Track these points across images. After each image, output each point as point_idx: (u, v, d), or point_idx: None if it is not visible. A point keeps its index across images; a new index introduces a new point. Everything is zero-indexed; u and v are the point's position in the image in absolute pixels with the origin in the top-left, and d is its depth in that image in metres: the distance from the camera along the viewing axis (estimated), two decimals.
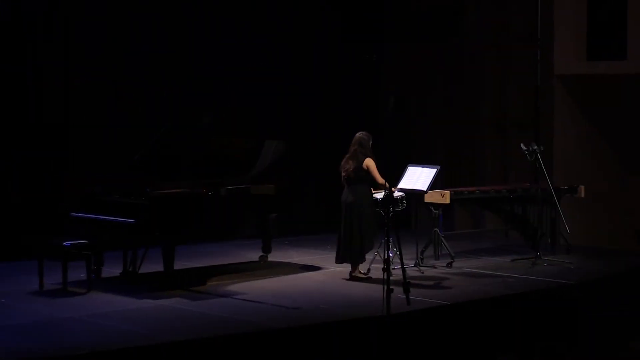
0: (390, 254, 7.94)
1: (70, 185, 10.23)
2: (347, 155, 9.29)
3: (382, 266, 7.56)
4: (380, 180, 9.05)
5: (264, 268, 9.99)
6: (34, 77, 10.68)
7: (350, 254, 9.28)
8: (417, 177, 9.62)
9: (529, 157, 10.34)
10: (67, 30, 10.82)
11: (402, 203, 9.55)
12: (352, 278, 9.32)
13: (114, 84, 11.07)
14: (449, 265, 10.01)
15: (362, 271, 9.37)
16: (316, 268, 10.07)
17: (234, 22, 11.98)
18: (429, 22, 13.08)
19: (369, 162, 9.14)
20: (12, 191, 10.49)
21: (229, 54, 11.87)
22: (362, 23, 13.03)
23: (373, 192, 9.31)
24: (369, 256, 9.42)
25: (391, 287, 7.35)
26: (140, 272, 9.17)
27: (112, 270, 9.29)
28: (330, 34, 12.93)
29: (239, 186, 9.42)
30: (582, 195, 10.91)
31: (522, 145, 10.39)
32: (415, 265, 9.80)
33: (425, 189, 9.54)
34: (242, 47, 12.02)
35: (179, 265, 9.04)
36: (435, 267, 9.95)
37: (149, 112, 10.94)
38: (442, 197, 9.93)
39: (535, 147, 10.33)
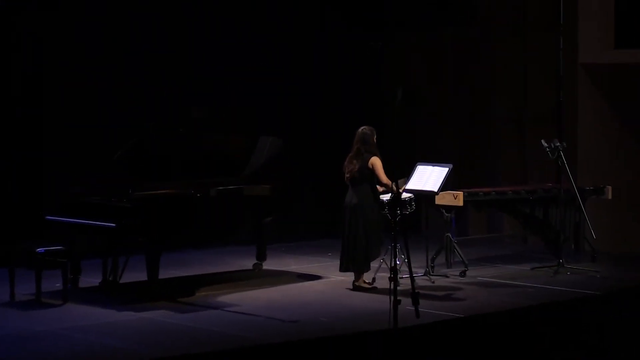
0: (398, 262, 7.92)
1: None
2: (351, 154, 9.28)
3: (389, 275, 7.55)
4: (386, 180, 9.04)
5: (259, 277, 9.98)
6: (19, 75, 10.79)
7: (354, 261, 9.27)
8: (427, 177, 9.61)
9: (550, 155, 10.33)
10: (62, 28, 10.89)
11: (410, 205, 9.53)
12: (356, 288, 9.31)
13: (111, 82, 11.12)
14: (462, 274, 9.99)
15: (366, 280, 9.36)
16: (316, 277, 10.06)
17: (233, 17, 12.08)
18: (439, 6, 13.08)
19: (375, 161, 9.13)
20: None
21: (226, 49, 11.95)
22: (364, 9, 13.04)
23: (379, 192, 9.31)
24: (374, 264, 9.41)
25: (398, 298, 7.34)
26: (121, 281, 9.16)
27: (90, 279, 9.29)
28: (330, 23, 12.96)
29: (230, 187, 9.41)
30: (609, 197, 10.89)
31: (543, 141, 10.37)
32: (425, 274, 9.79)
33: (436, 189, 9.52)
34: (240, 42, 12.11)
35: (164, 274, 9.03)
36: (447, 276, 9.94)
37: (145, 111, 10.97)
38: (455, 198, 9.92)
39: (558, 143, 10.32)
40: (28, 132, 10.81)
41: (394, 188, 7.94)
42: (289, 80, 12.49)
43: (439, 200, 9.89)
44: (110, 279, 9.14)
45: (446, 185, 9.63)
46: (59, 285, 8.68)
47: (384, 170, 9.14)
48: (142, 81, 11.18)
